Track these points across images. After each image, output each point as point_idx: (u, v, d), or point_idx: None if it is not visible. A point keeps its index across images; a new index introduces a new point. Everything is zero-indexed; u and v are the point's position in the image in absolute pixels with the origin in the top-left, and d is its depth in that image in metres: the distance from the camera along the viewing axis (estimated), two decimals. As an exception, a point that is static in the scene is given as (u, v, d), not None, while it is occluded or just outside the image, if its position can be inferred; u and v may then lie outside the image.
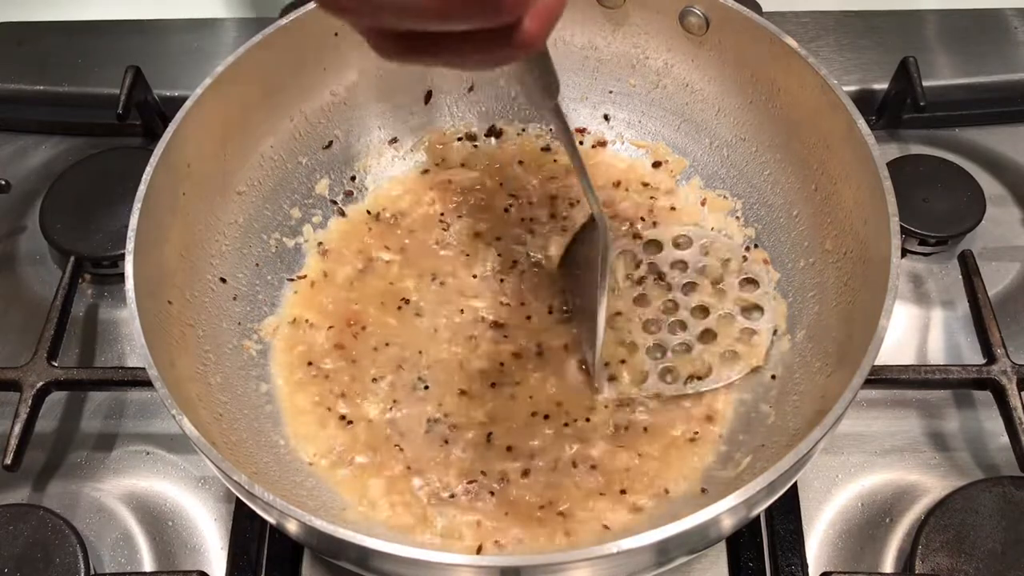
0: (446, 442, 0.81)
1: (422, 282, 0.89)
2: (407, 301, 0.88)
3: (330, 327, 0.87)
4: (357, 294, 0.89)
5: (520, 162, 0.97)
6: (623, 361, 0.84)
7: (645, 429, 0.81)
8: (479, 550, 0.75)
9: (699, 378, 0.83)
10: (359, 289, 0.89)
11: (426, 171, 0.96)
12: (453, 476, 0.79)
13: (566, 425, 0.81)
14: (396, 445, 0.81)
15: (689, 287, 0.88)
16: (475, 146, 0.97)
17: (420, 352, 0.85)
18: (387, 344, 0.86)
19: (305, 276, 0.90)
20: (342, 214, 0.93)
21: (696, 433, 0.81)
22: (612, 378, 0.83)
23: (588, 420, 0.81)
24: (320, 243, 0.91)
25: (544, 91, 0.69)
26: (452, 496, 0.78)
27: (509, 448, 0.80)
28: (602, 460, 0.79)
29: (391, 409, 0.82)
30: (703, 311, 0.86)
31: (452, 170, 0.96)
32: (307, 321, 0.87)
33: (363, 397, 0.83)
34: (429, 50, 0.54)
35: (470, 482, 0.78)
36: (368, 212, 0.94)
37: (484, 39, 0.53)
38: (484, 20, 0.51)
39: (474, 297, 0.88)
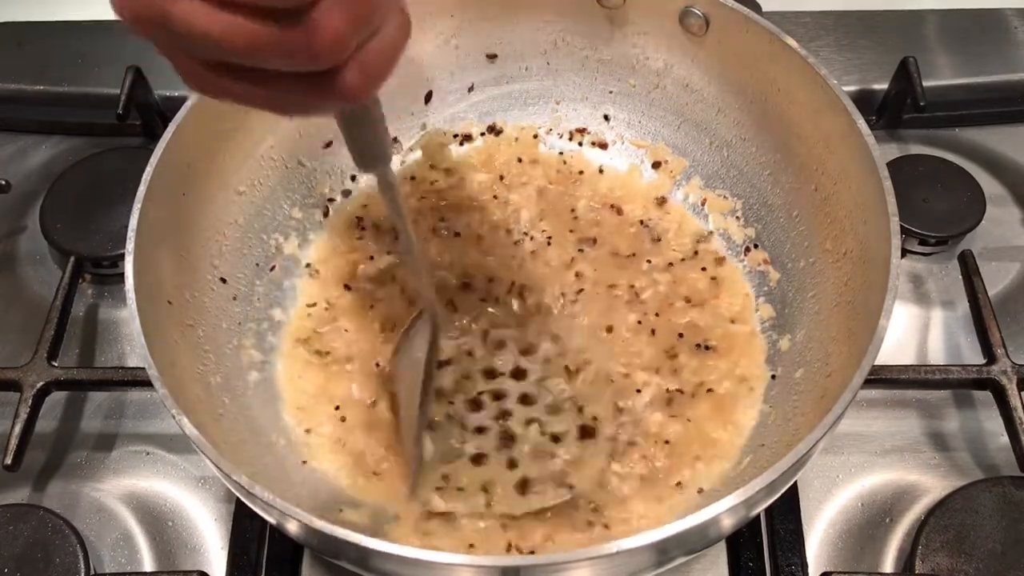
0: (450, 441, 0.80)
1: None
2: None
3: (331, 327, 0.87)
4: (357, 294, 0.89)
5: (519, 159, 0.97)
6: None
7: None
8: (509, 548, 0.75)
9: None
10: (363, 289, 0.89)
11: (412, 177, 0.96)
12: (460, 475, 0.79)
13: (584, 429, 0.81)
14: (399, 445, 0.81)
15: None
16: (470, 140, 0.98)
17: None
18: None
19: (308, 265, 0.90)
20: (326, 215, 0.93)
21: None
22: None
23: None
24: (317, 244, 0.92)
25: (363, 154, 0.62)
26: (460, 490, 0.78)
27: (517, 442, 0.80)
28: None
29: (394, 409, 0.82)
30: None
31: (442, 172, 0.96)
32: (309, 320, 0.87)
33: (366, 397, 0.83)
34: (237, 88, 0.50)
35: (493, 483, 0.78)
36: (358, 218, 0.93)
37: (300, 83, 0.49)
38: (294, 62, 0.47)
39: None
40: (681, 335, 0.85)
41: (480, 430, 0.81)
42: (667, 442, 0.80)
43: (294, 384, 0.84)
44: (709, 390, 0.82)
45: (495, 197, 0.94)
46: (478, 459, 0.79)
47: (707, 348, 0.85)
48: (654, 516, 0.76)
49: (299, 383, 0.84)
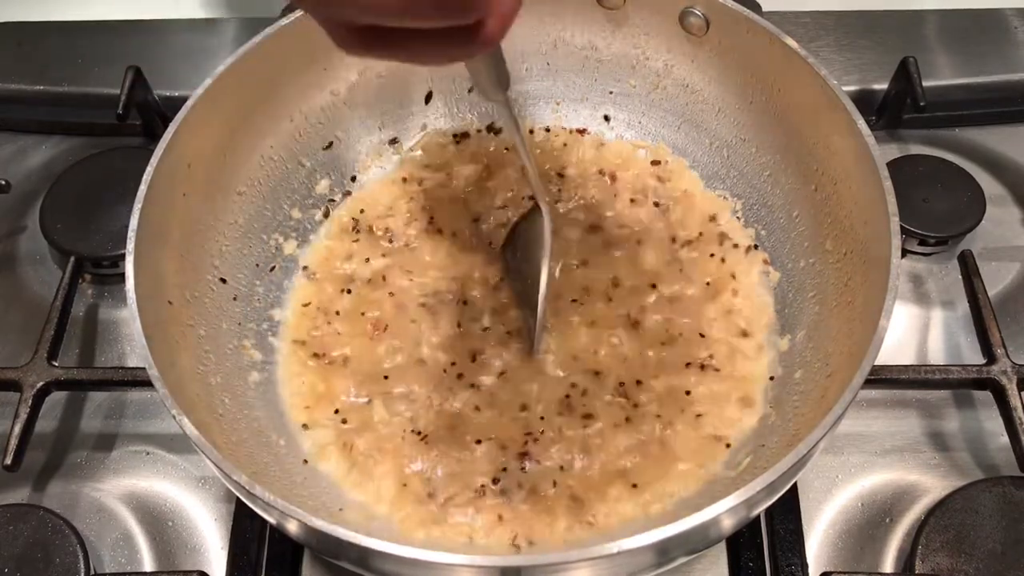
0: (450, 442, 0.81)
1: (419, 284, 0.89)
2: (409, 303, 0.88)
3: (326, 329, 0.87)
4: (357, 295, 0.89)
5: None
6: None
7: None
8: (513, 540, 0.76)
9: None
10: (358, 291, 0.89)
11: (407, 179, 0.96)
12: (461, 474, 0.79)
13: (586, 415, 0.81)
14: (400, 444, 0.81)
15: None
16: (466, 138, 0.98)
17: (422, 352, 0.85)
18: (390, 343, 0.86)
19: (306, 267, 0.90)
20: (326, 215, 0.93)
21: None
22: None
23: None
24: (317, 246, 0.92)
25: (497, 84, 0.73)
26: (461, 493, 0.78)
27: (513, 450, 0.80)
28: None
29: (395, 408, 0.82)
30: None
31: (439, 173, 0.96)
32: (307, 321, 0.87)
33: (367, 397, 0.83)
34: (389, 45, 0.55)
35: (489, 481, 0.78)
36: (354, 219, 0.93)
37: (445, 36, 0.54)
38: (449, 19, 0.52)
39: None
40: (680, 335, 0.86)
41: None
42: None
43: (294, 385, 0.84)
44: (699, 415, 0.82)
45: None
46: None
47: (714, 370, 0.84)
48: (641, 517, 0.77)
49: (298, 384, 0.84)
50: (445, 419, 0.82)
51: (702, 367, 0.84)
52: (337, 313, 0.88)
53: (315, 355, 0.86)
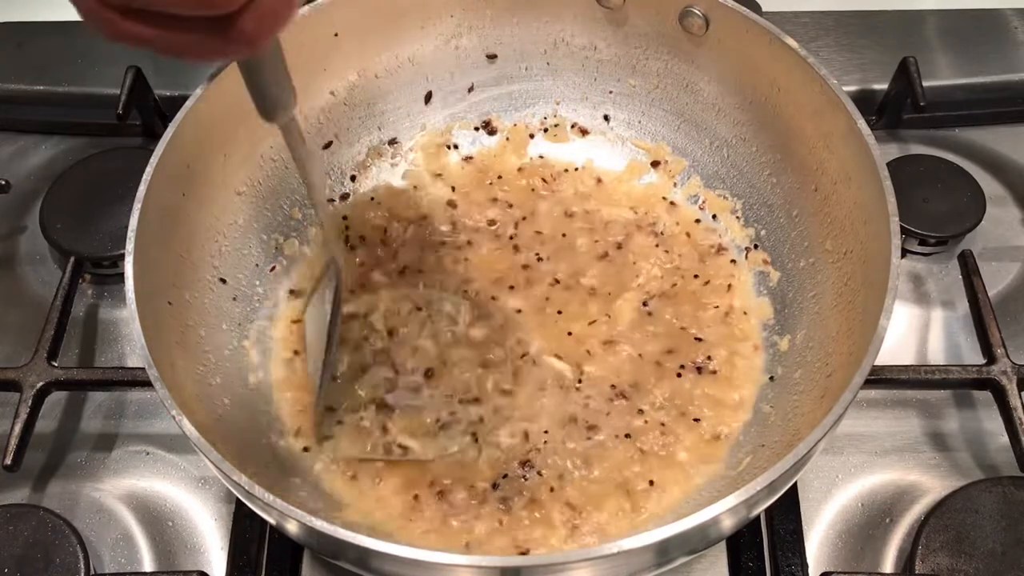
0: (450, 443, 0.81)
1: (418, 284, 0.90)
2: (408, 303, 0.88)
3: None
4: (356, 296, 0.89)
5: (520, 169, 0.97)
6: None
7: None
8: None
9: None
10: (358, 291, 0.89)
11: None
12: (460, 476, 0.79)
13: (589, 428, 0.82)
14: (399, 444, 0.81)
15: None
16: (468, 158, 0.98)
17: (422, 351, 0.85)
18: (390, 342, 0.86)
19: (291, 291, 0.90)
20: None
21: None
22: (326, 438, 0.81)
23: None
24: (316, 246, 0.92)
25: (263, 103, 0.63)
26: (458, 496, 0.78)
27: (514, 458, 0.80)
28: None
29: (395, 408, 0.82)
30: None
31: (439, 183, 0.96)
32: (292, 334, 0.87)
33: (367, 397, 0.83)
34: (139, 30, 0.52)
35: (489, 487, 0.79)
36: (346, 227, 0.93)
37: (201, 28, 0.51)
38: (194, 7, 0.49)
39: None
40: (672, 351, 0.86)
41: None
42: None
43: (295, 385, 0.84)
44: (696, 419, 0.82)
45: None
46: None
47: (711, 373, 0.84)
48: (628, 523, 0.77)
49: (300, 384, 0.84)
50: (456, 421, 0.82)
51: (700, 369, 0.84)
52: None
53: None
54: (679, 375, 0.84)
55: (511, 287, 0.89)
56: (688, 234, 0.92)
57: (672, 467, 0.79)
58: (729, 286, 0.89)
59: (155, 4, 0.50)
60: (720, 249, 0.91)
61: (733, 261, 0.90)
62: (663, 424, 0.81)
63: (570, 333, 0.86)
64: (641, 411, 0.82)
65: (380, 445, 0.80)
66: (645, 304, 0.88)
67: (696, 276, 0.90)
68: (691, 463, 0.80)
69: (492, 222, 0.93)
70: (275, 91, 0.63)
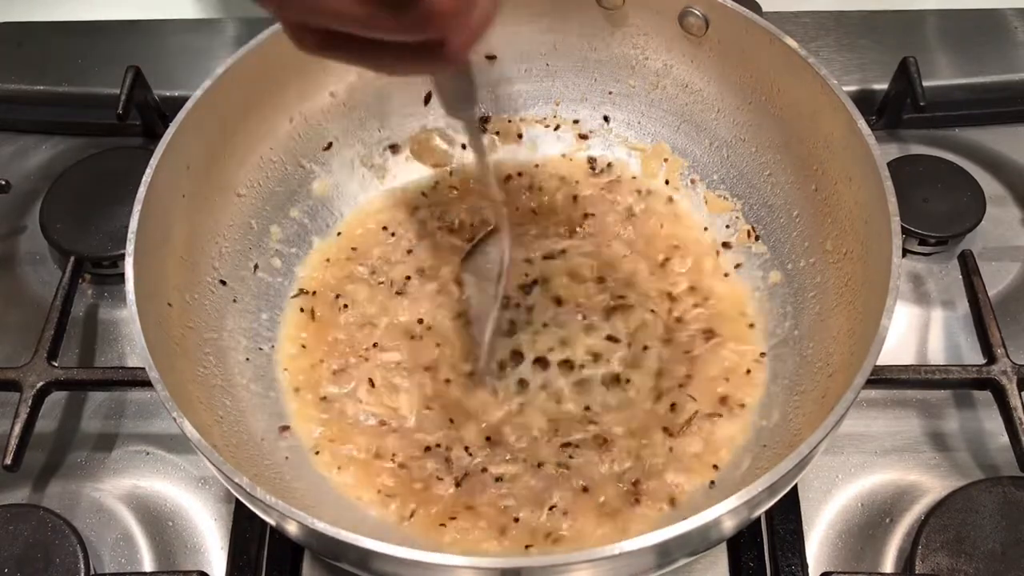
0: (451, 446, 0.81)
1: (417, 283, 0.90)
2: (406, 300, 0.88)
3: (332, 326, 0.87)
4: (355, 295, 0.89)
5: (520, 174, 0.97)
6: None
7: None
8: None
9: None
10: (357, 291, 0.89)
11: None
12: (458, 478, 0.79)
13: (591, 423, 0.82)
14: (397, 444, 0.81)
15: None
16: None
17: (421, 351, 0.85)
18: (391, 342, 0.86)
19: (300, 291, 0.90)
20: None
21: None
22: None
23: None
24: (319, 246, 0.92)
25: (462, 101, 0.71)
26: (462, 502, 0.78)
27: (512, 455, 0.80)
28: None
29: (395, 409, 0.83)
30: None
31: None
32: (308, 322, 0.87)
33: (367, 397, 0.83)
34: (350, 51, 0.54)
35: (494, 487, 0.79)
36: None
37: (408, 49, 0.53)
38: (408, 35, 0.51)
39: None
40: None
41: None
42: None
43: (295, 386, 0.84)
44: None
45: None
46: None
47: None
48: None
49: (300, 385, 0.84)
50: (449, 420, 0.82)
51: (698, 371, 0.84)
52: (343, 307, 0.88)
53: (312, 366, 0.86)
54: (679, 375, 0.84)
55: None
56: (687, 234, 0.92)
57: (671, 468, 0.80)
58: (729, 287, 0.89)
59: (366, 33, 0.52)
60: (720, 249, 0.91)
61: (738, 265, 0.90)
62: (665, 428, 0.81)
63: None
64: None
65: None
66: (642, 306, 0.88)
67: (694, 277, 0.90)
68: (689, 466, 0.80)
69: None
70: (465, 88, 0.69)
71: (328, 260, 0.91)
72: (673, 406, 0.82)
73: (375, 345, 0.86)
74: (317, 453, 0.81)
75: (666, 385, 0.83)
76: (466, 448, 0.80)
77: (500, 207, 0.83)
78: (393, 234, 0.93)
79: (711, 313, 0.87)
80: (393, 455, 0.80)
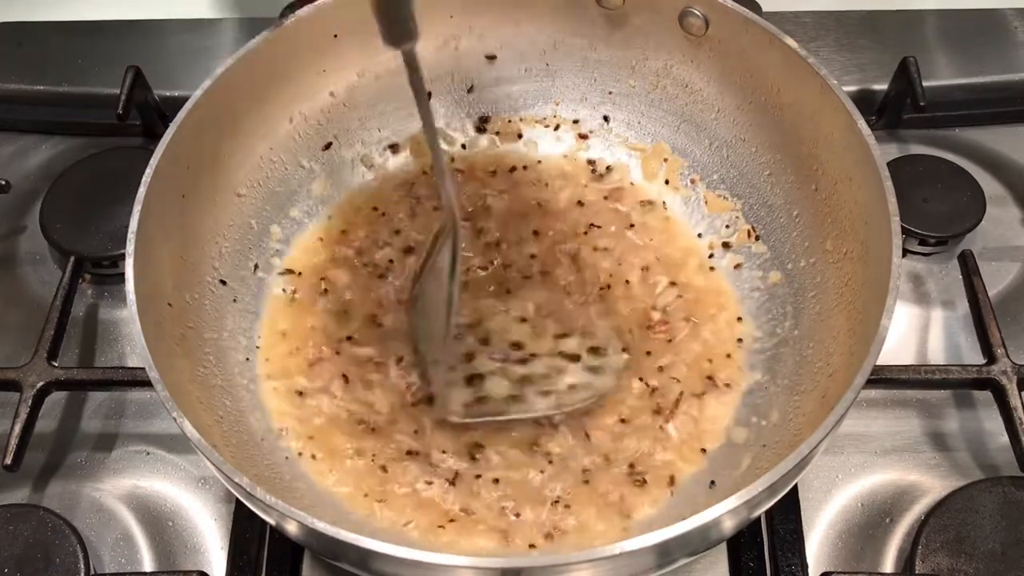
0: (450, 447, 0.81)
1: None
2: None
3: (331, 327, 0.87)
4: (357, 295, 0.89)
5: (513, 168, 0.97)
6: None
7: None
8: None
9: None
10: (357, 291, 0.89)
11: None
12: (459, 480, 0.79)
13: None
14: (397, 444, 0.81)
15: None
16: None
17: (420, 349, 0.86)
18: (390, 342, 0.86)
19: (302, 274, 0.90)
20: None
21: None
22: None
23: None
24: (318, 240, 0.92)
25: (390, 30, 0.67)
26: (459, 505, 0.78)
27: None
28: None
29: (395, 409, 0.83)
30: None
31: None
32: (309, 322, 0.87)
33: (366, 397, 0.83)
34: None
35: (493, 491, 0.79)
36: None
37: None
38: None
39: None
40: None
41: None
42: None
43: (295, 386, 0.84)
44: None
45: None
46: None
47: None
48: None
49: (301, 385, 0.84)
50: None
51: (698, 371, 0.84)
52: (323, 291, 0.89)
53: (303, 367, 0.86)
54: (679, 375, 0.84)
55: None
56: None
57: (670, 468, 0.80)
58: (729, 287, 0.89)
59: None
60: (719, 245, 0.91)
61: (738, 265, 0.90)
62: (662, 428, 0.82)
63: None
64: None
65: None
66: (641, 306, 0.88)
67: (693, 277, 0.90)
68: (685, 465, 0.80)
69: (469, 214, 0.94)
70: (399, 19, 0.67)
71: (321, 239, 0.92)
72: (656, 390, 0.83)
73: (349, 339, 0.86)
74: (318, 452, 0.81)
75: (649, 367, 0.84)
76: (443, 451, 0.81)
77: (449, 197, 0.79)
78: (383, 214, 0.93)
79: (691, 301, 0.88)
80: (373, 456, 0.80)
